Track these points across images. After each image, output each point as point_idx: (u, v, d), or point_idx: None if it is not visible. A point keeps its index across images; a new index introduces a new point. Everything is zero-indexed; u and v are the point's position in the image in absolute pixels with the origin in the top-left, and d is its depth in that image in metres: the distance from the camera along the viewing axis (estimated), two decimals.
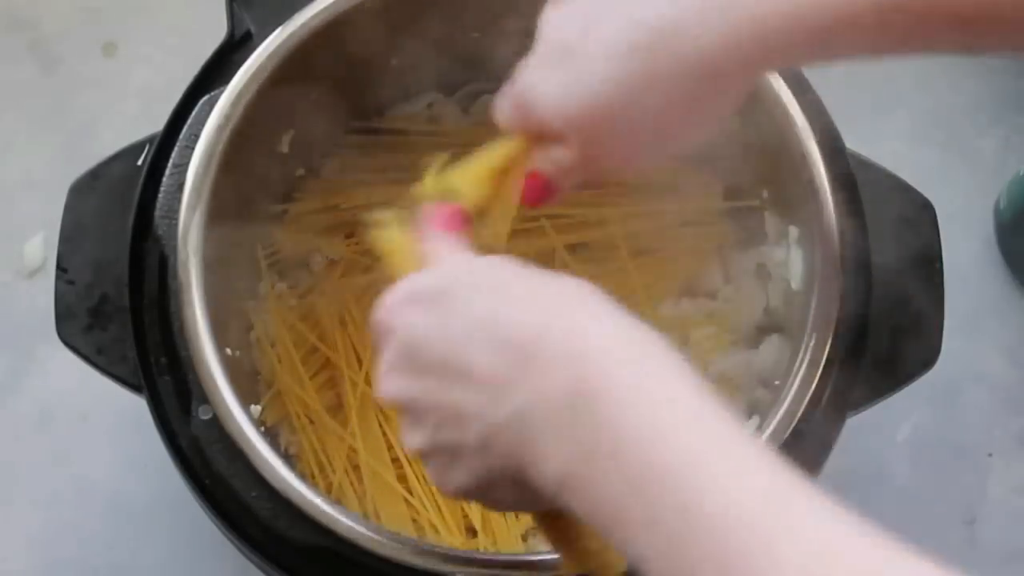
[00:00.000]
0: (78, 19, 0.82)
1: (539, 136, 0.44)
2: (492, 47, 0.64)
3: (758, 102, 0.57)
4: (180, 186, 0.54)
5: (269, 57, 0.56)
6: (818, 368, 0.52)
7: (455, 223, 0.43)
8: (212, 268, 0.53)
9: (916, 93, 0.81)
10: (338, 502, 0.49)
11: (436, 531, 0.61)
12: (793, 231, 0.60)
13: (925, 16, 0.39)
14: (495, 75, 0.68)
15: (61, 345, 0.54)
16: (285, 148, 0.63)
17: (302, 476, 0.49)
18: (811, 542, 0.31)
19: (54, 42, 0.82)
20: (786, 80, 0.57)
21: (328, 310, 0.66)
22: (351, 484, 0.62)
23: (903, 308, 0.56)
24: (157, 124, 0.57)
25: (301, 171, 0.67)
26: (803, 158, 0.56)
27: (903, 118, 0.80)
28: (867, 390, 0.54)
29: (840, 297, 0.54)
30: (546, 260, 0.66)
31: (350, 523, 0.48)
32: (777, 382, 0.56)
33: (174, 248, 0.53)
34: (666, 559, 0.30)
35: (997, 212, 0.78)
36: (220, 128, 0.55)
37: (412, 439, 0.38)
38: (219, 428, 0.50)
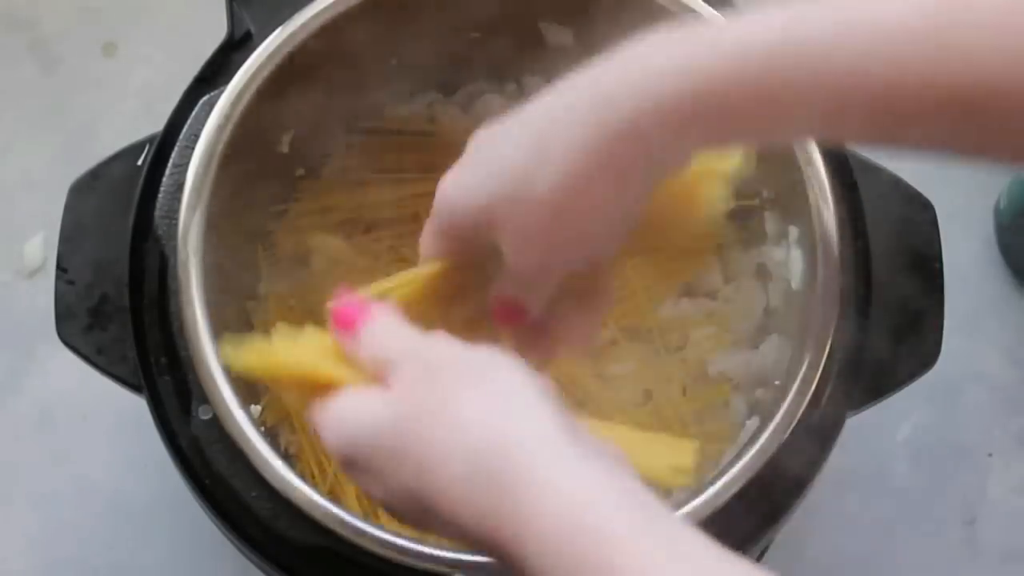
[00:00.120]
0: (78, 19, 0.82)
1: (471, 248, 0.44)
2: (492, 47, 0.64)
3: None
4: (180, 186, 0.54)
5: (269, 57, 0.56)
6: (818, 368, 0.52)
7: (362, 314, 0.41)
8: (212, 268, 0.53)
9: None
10: (338, 502, 0.49)
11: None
12: (793, 231, 0.60)
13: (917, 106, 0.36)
14: (495, 75, 0.68)
15: (61, 345, 0.54)
16: (285, 148, 0.63)
17: (302, 476, 0.49)
18: None
19: (54, 42, 0.82)
20: None
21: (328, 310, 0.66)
22: (351, 483, 0.62)
23: (903, 308, 0.56)
24: (157, 124, 0.57)
25: (301, 171, 0.67)
26: (803, 158, 0.56)
27: None
28: (867, 390, 0.54)
29: (840, 297, 0.54)
30: None
31: (350, 523, 0.48)
32: (777, 382, 0.56)
33: (174, 248, 0.53)
34: None
35: (997, 212, 0.78)
36: (220, 128, 0.55)
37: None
38: (219, 428, 0.50)
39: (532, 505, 0.32)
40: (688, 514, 0.48)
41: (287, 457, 0.61)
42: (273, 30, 0.57)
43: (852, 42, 0.36)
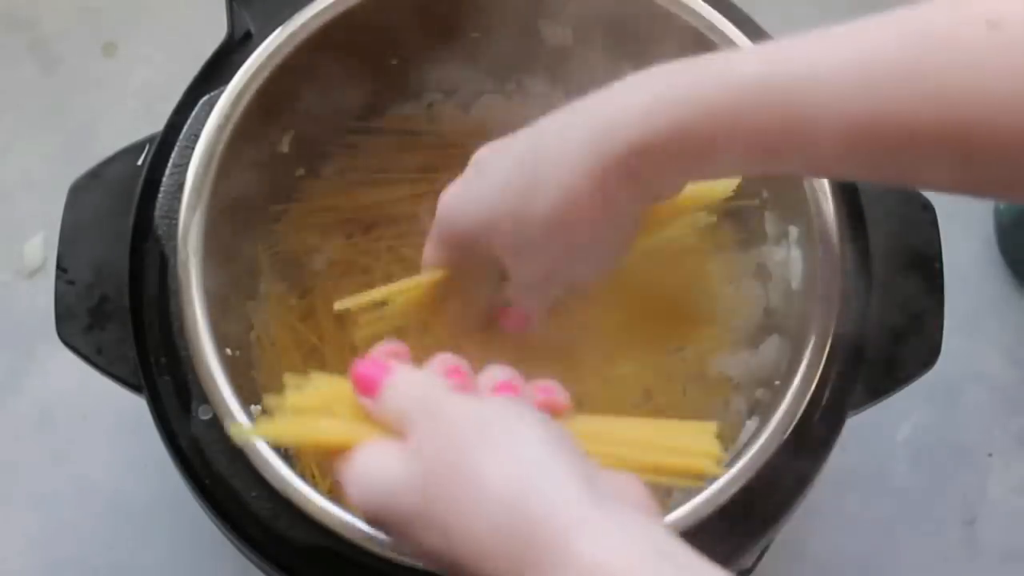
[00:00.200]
0: (78, 19, 0.82)
1: (472, 258, 0.45)
2: (492, 47, 0.64)
3: None
4: (180, 186, 0.54)
5: (269, 57, 0.56)
6: (818, 368, 0.52)
7: (382, 373, 0.40)
8: (212, 268, 0.53)
9: None
10: (338, 502, 0.49)
11: None
12: (793, 231, 0.60)
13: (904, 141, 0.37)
14: (495, 75, 0.68)
15: (61, 345, 0.54)
16: (285, 148, 0.63)
17: (302, 476, 0.49)
18: None
19: (54, 42, 0.82)
20: None
21: (328, 310, 0.66)
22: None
23: (903, 308, 0.56)
24: (157, 124, 0.57)
25: (301, 171, 0.67)
26: None
27: None
28: (867, 390, 0.54)
29: (840, 297, 0.54)
30: None
31: (350, 523, 0.48)
32: (777, 382, 0.56)
33: (174, 248, 0.53)
34: None
35: (997, 212, 0.78)
36: (220, 128, 0.55)
37: None
38: (219, 428, 0.50)
39: (554, 570, 0.32)
40: (688, 514, 0.48)
41: (287, 457, 0.61)
42: (273, 30, 0.57)
43: (834, 79, 0.37)
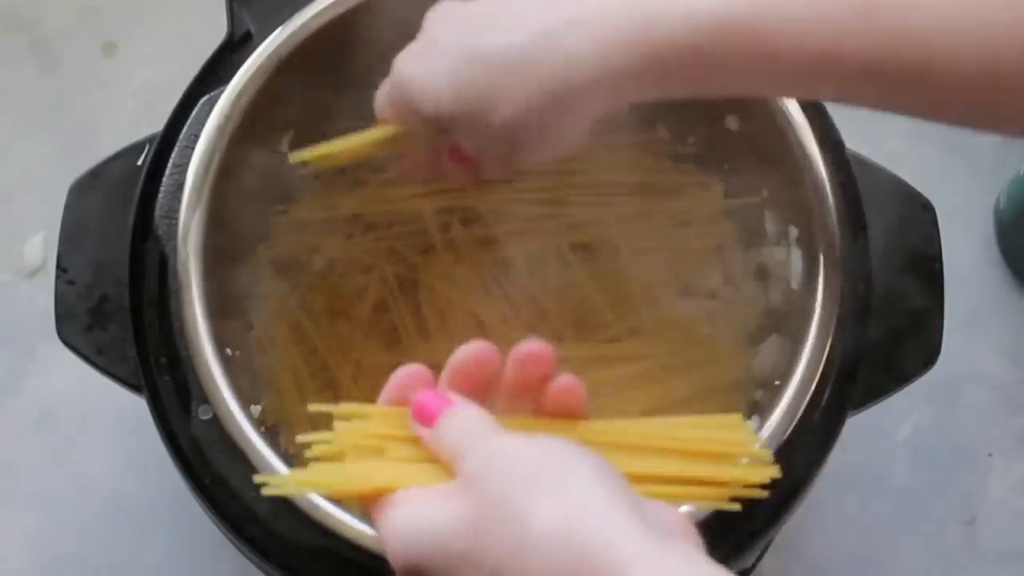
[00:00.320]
0: (78, 19, 0.82)
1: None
2: None
3: (759, 102, 0.57)
4: (180, 186, 0.54)
5: (269, 57, 0.56)
6: (818, 368, 0.52)
7: (442, 405, 0.39)
8: (212, 268, 0.53)
9: None
10: (338, 502, 0.49)
11: None
12: (793, 231, 0.60)
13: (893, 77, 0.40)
14: None
15: (61, 345, 0.54)
16: (285, 148, 0.63)
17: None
18: None
19: (54, 42, 0.82)
20: None
21: (329, 310, 0.66)
22: None
23: (903, 308, 0.56)
24: (157, 124, 0.57)
25: (301, 171, 0.67)
26: (803, 158, 0.56)
27: (903, 118, 0.80)
28: (867, 390, 0.54)
29: (840, 297, 0.54)
30: (548, 259, 0.66)
31: (350, 523, 0.48)
32: (777, 382, 0.56)
33: (174, 248, 0.53)
34: None
35: (997, 212, 0.78)
36: (220, 128, 0.55)
37: None
38: (219, 428, 0.50)
39: None
40: (689, 513, 0.48)
41: (287, 457, 0.61)
42: (273, 30, 0.57)
43: (791, 12, 0.40)
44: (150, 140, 0.57)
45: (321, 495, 0.42)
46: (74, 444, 0.71)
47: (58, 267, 0.55)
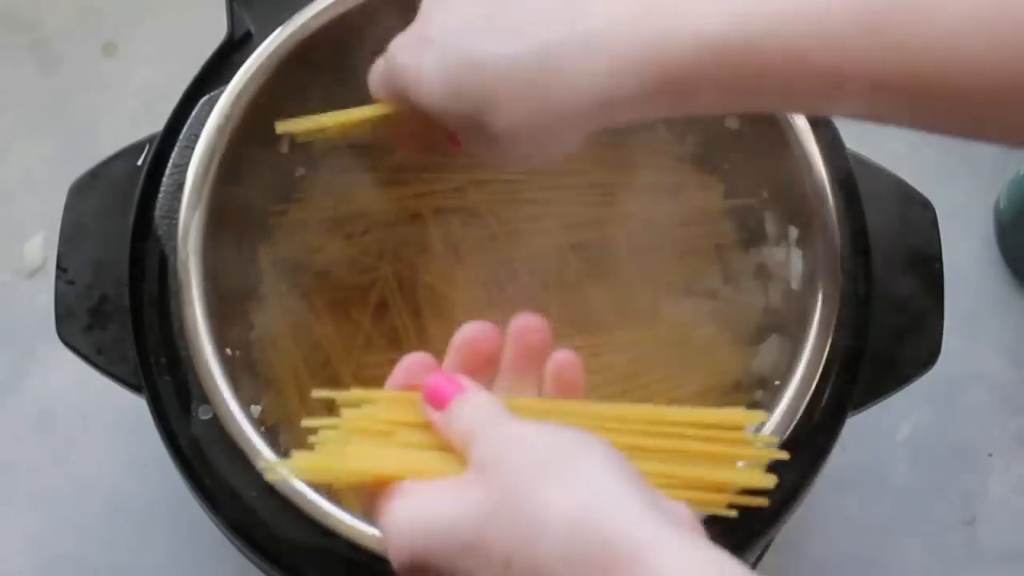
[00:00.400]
0: (78, 19, 0.82)
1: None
2: None
3: None
4: (180, 186, 0.54)
5: (269, 57, 0.56)
6: (818, 368, 0.52)
7: (454, 389, 0.39)
8: (212, 268, 0.53)
9: None
10: (338, 502, 0.49)
11: None
12: (793, 231, 0.60)
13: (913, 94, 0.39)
14: None
15: (61, 345, 0.54)
16: (285, 148, 0.63)
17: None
18: None
19: (54, 42, 0.82)
20: None
21: (328, 310, 0.66)
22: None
23: (903, 308, 0.56)
24: (157, 124, 0.57)
25: (301, 171, 0.67)
26: (803, 158, 0.56)
27: None
28: (867, 390, 0.54)
29: (840, 297, 0.54)
30: (548, 259, 0.66)
31: (350, 523, 0.48)
32: (777, 382, 0.56)
33: (174, 248, 0.53)
34: None
35: (997, 212, 0.78)
36: (220, 128, 0.55)
37: None
38: (219, 428, 0.50)
39: None
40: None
41: (287, 457, 0.61)
42: (273, 30, 0.57)
43: (802, 29, 0.39)
44: (150, 140, 0.57)
45: (324, 483, 0.41)
46: (74, 444, 0.71)
47: (58, 267, 0.55)
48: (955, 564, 0.71)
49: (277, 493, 0.49)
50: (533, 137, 0.43)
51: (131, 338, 0.53)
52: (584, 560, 0.32)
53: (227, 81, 0.56)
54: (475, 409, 0.38)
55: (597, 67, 0.40)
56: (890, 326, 0.55)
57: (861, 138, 0.59)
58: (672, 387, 0.64)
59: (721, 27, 0.39)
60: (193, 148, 0.55)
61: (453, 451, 0.37)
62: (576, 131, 0.43)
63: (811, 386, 0.52)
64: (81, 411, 0.72)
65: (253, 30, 0.59)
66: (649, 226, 0.67)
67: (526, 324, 0.40)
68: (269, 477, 0.39)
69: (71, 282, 0.55)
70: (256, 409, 0.61)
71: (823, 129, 0.57)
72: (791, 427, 0.51)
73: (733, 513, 0.39)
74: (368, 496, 0.37)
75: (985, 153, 0.81)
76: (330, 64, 0.59)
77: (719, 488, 0.39)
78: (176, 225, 0.53)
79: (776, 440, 0.40)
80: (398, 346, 0.65)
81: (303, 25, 0.57)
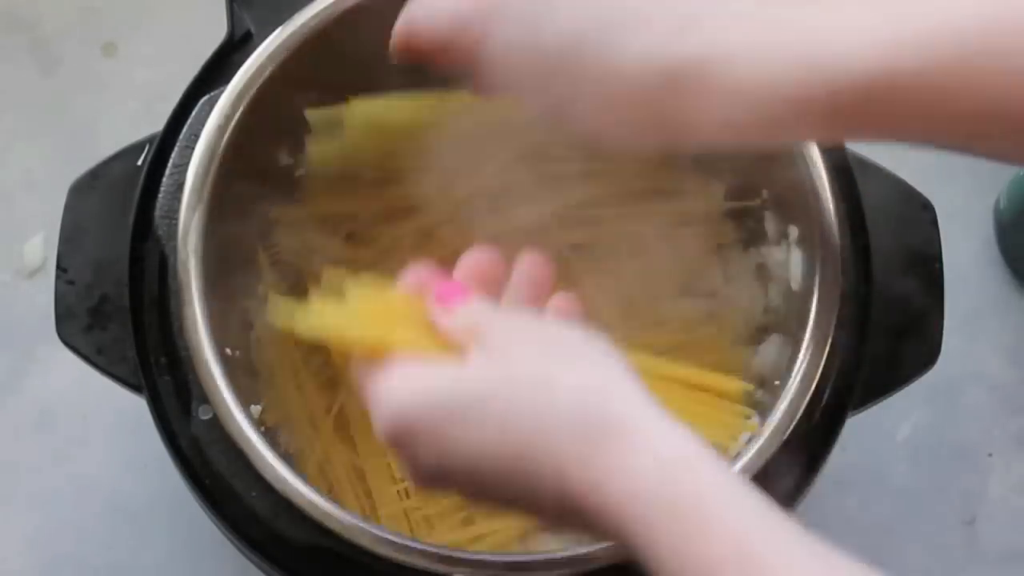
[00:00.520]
0: (78, 19, 0.82)
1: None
2: None
3: None
4: (180, 186, 0.54)
5: (269, 57, 0.56)
6: (818, 368, 0.52)
7: (464, 294, 0.40)
8: (212, 268, 0.53)
9: None
10: (338, 502, 0.49)
11: (431, 525, 0.61)
12: (793, 231, 0.60)
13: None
14: None
15: (61, 345, 0.54)
16: (285, 149, 0.63)
17: (302, 476, 0.49)
18: None
19: (54, 42, 0.82)
20: None
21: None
22: (351, 484, 0.62)
23: (903, 308, 0.56)
24: (157, 124, 0.57)
25: (301, 171, 0.67)
26: (803, 158, 0.56)
27: None
28: (867, 390, 0.54)
29: (840, 297, 0.54)
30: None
31: (350, 523, 0.48)
32: (777, 382, 0.56)
33: (174, 248, 0.53)
34: None
35: (997, 212, 0.78)
36: (220, 128, 0.55)
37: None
38: (219, 428, 0.50)
39: (631, 453, 0.34)
40: None
41: (287, 457, 0.61)
42: (273, 30, 0.57)
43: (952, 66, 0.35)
44: (150, 140, 0.57)
45: (327, 339, 0.41)
46: (74, 444, 0.71)
47: (58, 267, 0.55)
48: (955, 564, 0.71)
49: (277, 493, 0.49)
50: (617, 140, 0.40)
51: (131, 338, 0.53)
52: (583, 431, 0.34)
53: (227, 81, 0.56)
54: (482, 308, 0.40)
55: (725, 99, 0.37)
56: (890, 326, 0.55)
57: None
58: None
59: (875, 59, 0.35)
60: (193, 148, 0.55)
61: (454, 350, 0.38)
62: (682, 146, 0.41)
63: (811, 386, 0.52)
64: (81, 411, 0.72)
65: (253, 30, 0.59)
66: (649, 226, 0.68)
67: (533, 257, 0.42)
68: (280, 325, 0.42)
69: (71, 282, 0.55)
70: (256, 409, 0.61)
71: None
72: (791, 427, 0.51)
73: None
74: (364, 366, 0.39)
75: None
76: (330, 64, 0.59)
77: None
78: (176, 225, 0.53)
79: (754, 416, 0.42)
80: None
81: (303, 25, 0.57)
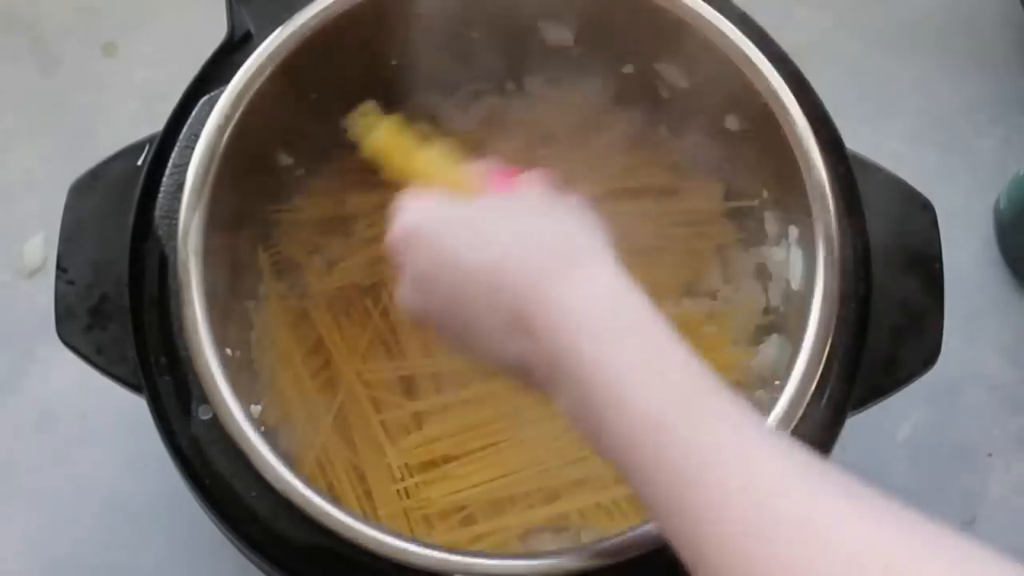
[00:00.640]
0: (78, 19, 0.82)
1: None
2: (492, 47, 0.64)
3: (758, 101, 0.57)
4: (180, 186, 0.54)
5: (269, 57, 0.56)
6: (818, 368, 0.52)
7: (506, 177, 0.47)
8: (212, 268, 0.53)
9: (916, 93, 0.81)
10: (338, 502, 0.49)
11: (431, 525, 0.61)
12: (793, 231, 0.60)
13: None
14: (495, 75, 0.68)
15: (61, 345, 0.54)
16: (285, 149, 0.63)
17: (302, 476, 0.49)
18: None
19: (54, 42, 0.82)
20: (786, 80, 0.57)
21: (329, 310, 0.66)
22: (351, 484, 0.62)
23: (903, 308, 0.56)
24: (157, 124, 0.57)
25: (301, 171, 0.67)
26: (803, 158, 0.56)
27: (903, 118, 0.80)
28: (867, 390, 0.54)
29: (840, 297, 0.54)
30: None
31: (350, 523, 0.48)
32: (777, 382, 0.56)
33: (174, 248, 0.53)
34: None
35: (997, 212, 0.78)
36: (220, 128, 0.55)
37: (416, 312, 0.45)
38: (219, 428, 0.50)
39: (590, 280, 0.40)
40: None
41: (287, 457, 0.61)
42: (273, 30, 0.57)
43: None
44: (150, 140, 0.57)
45: (392, 158, 0.50)
46: (74, 444, 0.71)
47: (58, 267, 0.55)
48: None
49: (277, 493, 0.49)
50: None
51: (131, 338, 0.53)
52: (554, 256, 0.41)
53: (227, 81, 0.56)
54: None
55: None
56: (890, 326, 0.55)
57: (861, 138, 0.59)
58: None
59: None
60: (193, 148, 0.55)
61: None
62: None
63: (811, 386, 0.52)
64: (81, 411, 0.72)
65: (253, 30, 0.59)
66: (649, 226, 0.68)
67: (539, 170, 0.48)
68: (355, 131, 0.50)
69: (71, 282, 0.55)
70: (256, 409, 0.61)
71: (823, 129, 0.57)
72: (791, 427, 0.51)
73: None
74: (408, 191, 0.46)
75: (985, 153, 0.81)
76: (330, 64, 0.59)
77: None
78: (176, 225, 0.53)
79: None
80: (398, 345, 0.65)
81: (303, 25, 0.57)
